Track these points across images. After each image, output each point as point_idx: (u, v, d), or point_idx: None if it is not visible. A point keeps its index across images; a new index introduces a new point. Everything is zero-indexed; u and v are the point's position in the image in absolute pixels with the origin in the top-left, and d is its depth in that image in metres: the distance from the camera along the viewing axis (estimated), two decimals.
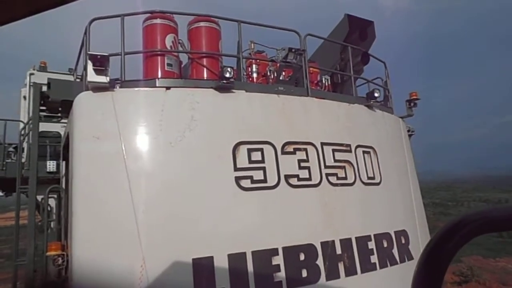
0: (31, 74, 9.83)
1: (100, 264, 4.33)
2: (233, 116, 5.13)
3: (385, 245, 5.83)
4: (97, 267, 4.31)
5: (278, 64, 5.86)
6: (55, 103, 5.36)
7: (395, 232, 6.07)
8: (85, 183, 4.52)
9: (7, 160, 9.95)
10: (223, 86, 5.01)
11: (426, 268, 0.93)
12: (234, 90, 5.15)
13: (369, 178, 6.01)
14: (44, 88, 9.93)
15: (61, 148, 6.34)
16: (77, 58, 6.41)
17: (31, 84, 9.93)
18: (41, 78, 10.02)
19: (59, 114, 9.41)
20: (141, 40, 5.56)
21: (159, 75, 5.24)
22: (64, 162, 6.39)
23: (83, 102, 4.74)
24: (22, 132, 9.55)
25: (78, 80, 6.41)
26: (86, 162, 4.57)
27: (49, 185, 9.39)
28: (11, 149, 10.69)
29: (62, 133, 10.00)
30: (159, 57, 5.24)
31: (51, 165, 8.77)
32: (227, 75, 4.90)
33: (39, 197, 9.31)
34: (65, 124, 9.89)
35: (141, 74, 5.56)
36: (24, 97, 9.89)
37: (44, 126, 9.80)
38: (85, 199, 4.48)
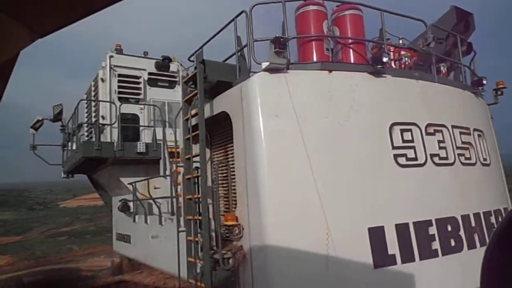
0: (111, 56, 9.92)
1: (290, 233, 4.71)
2: (386, 98, 5.53)
3: (500, 220, 6.37)
4: (287, 237, 4.69)
5: (406, 51, 6.26)
6: (209, 83, 5.62)
7: (503, 208, 6.63)
8: (270, 158, 4.86)
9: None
10: (379, 70, 5.38)
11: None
12: (384, 75, 5.53)
13: (484, 159, 6.52)
14: (119, 71, 10.08)
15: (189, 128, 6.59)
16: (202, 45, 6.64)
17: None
18: (119, 60, 10.17)
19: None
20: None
21: (315, 59, 5.57)
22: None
23: (262, 82, 5.04)
24: (102, 114, 9.71)
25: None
26: (269, 139, 4.90)
27: (136, 166, 9.65)
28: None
29: (140, 115, 10.20)
30: (316, 42, 5.56)
31: (141, 146, 9.00)
32: (385, 59, 5.28)
33: (125, 180, 9.57)
34: (142, 106, 10.10)
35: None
36: (102, 79, 9.98)
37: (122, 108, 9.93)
38: (271, 174, 4.83)
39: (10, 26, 1.34)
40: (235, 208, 5.33)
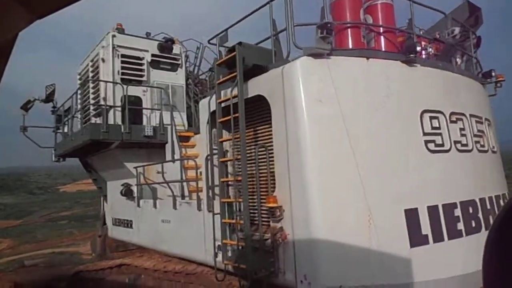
0: (114, 36, 9.52)
1: (334, 216, 4.88)
2: (416, 86, 5.75)
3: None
4: (332, 219, 4.85)
5: (425, 41, 6.50)
6: (245, 66, 5.59)
7: (507, 193, 7.12)
8: (313, 143, 4.96)
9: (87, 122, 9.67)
10: (411, 59, 5.57)
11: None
12: (415, 64, 5.74)
13: (492, 147, 6.94)
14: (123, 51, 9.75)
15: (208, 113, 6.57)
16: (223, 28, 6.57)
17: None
18: (122, 40, 9.81)
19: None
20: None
21: (351, 46, 5.68)
22: (208, 125, 6.65)
23: (305, 67, 5.10)
24: (104, 95, 9.39)
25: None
26: (313, 123, 5.00)
27: (138, 150, 9.45)
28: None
29: (142, 98, 9.94)
30: (353, 29, 5.67)
31: (148, 129, 8.82)
32: (419, 48, 5.48)
33: (129, 164, 9.36)
34: (145, 88, 9.86)
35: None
36: (103, 60, 9.60)
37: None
38: (316, 158, 4.94)
39: (8, 6, 1.30)
40: (273, 190, 5.41)
